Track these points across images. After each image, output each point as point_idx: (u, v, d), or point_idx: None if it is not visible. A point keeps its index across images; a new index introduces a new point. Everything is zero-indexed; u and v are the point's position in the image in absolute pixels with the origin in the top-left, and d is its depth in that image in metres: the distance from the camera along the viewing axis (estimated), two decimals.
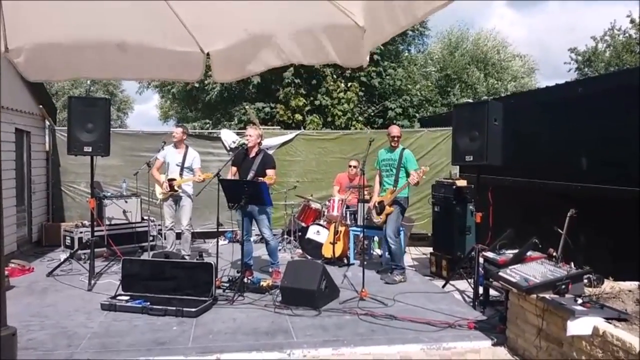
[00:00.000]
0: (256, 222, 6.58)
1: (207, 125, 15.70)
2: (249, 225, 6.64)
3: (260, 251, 7.55)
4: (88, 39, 3.56)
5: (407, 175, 6.62)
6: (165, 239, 7.66)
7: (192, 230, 7.59)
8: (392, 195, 6.63)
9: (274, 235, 6.94)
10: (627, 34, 21.84)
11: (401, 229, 7.91)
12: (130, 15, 3.37)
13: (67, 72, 3.91)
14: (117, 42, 3.57)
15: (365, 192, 7.41)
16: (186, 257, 7.30)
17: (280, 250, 8.61)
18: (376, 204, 6.82)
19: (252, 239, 6.87)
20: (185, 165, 7.39)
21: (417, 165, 6.71)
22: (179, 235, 7.54)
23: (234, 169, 6.74)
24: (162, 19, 3.42)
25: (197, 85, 15.39)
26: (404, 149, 6.83)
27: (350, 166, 8.45)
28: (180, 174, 7.35)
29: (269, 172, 6.48)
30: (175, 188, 7.30)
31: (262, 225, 6.54)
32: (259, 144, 6.71)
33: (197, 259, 7.45)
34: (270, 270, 6.77)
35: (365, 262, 6.47)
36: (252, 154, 6.62)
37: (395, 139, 6.77)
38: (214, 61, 3.77)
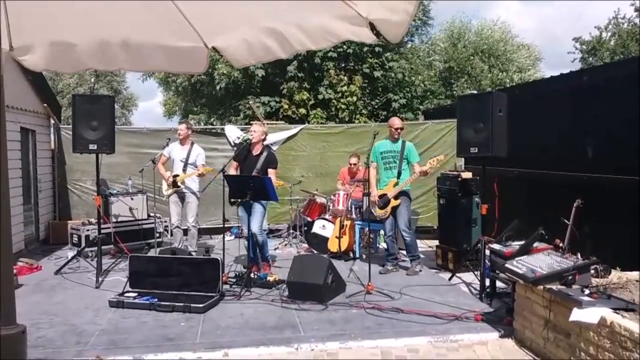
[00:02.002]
0: (251, 215, 6.42)
1: (213, 120, 15.75)
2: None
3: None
4: (93, 36, 3.57)
5: (409, 167, 6.67)
6: (172, 236, 7.69)
7: (198, 227, 7.62)
8: (398, 189, 6.59)
9: (264, 230, 6.72)
10: (631, 22, 21.68)
11: None
12: (134, 12, 3.37)
13: (72, 65, 3.91)
14: (122, 38, 3.57)
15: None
16: (193, 253, 7.32)
17: (285, 245, 8.65)
18: (378, 198, 6.74)
19: None
20: (189, 161, 7.37)
21: (418, 157, 6.82)
22: (185, 232, 7.57)
23: (235, 163, 6.69)
24: (166, 15, 3.42)
25: (204, 77, 15.40)
26: (404, 140, 6.84)
27: (350, 164, 8.41)
28: (184, 170, 7.34)
29: (270, 172, 6.45)
30: (179, 184, 7.29)
31: (254, 218, 6.39)
32: (263, 140, 6.68)
33: (203, 255, 7.47)
34: (261, 263, 6.67)
35: (371, 256, 6.47)
36: (256, 152, 6.59)
37: (399, 130, 6.76)
38: (224, 53, 3.77)
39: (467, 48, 20.57)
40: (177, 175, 7.32)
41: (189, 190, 7.37)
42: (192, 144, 7.57)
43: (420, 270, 6.81)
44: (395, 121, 6.88)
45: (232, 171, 6.65)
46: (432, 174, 8.71)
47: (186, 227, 7.51)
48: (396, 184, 6.63)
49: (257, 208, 6.45)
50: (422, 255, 7.45)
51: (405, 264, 7.03)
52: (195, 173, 7.29)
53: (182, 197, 7.43)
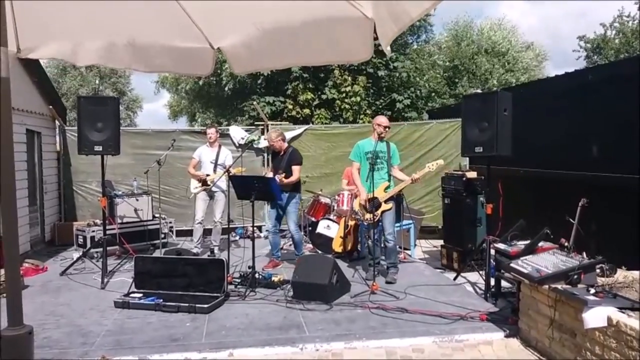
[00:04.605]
0: (285, 214, 7.02)
1: (219, 118, 15.83)
2: (278, 216, 7.04)
3: (268, 247, 7.60)
4: (100, 38, 3.59)
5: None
6: (192, 235, 8.02)
7: (224, 225, 7.90)
8: (390, 193, 6.29)
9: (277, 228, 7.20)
10: (635, 20, 21.60)
11: (412, 222, 7.92)
12: (141, 14, 3.38)
13: (79, 59, 3.92)
14: (128, 40, 3.59)
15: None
16: (215, 247, 7.81)
17: (290, 245, 8.65)
18: (367, 201, 6.20)
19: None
20: (219, 162, 7.77)
21: (399, 160, 6.60)
22: (206, 232, 7.99)
23: (272, 165, 7.25)
24: (172, 16, 3.43)
25: (211, 78, 15.49)
26: (387, 141, 6.52)
27: None
28: (214, 171, 7.73)
29: (294, 168, 6.88)
30: (209, 183, 7.65)
31: (289, 218, 6.98)
32: (283, 140, 7.10)
33: (208, 255, 7.52)
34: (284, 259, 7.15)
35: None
36: (281, 152, 7.03)
37: (387, 129, 6.42)
38: (227, 55, 3.78)
39: (471, 47, 20.44)
40: (208, 175, 7.69)
41: (219, 189, 7.73)
42: (220, 146, 7.98)
43: (397, 279, 6.39)
44: (382, 119, 6.51)
45: (270, 175, 7.09)
46: (437, 173, 8.73)
47: (212, 226, 7.97)
48: (388, 187, 6.36)
49: (290, 208, 6.95)
50: (418, 260, 7.42)
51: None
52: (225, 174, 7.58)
53: (210, 195, 7.80)
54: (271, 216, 7.10)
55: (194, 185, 7.82)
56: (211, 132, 7.91)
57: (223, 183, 7.67)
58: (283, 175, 6.75)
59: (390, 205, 6.32)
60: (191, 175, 7.87)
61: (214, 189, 7.70)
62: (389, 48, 2.86)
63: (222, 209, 7.77)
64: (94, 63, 3.84)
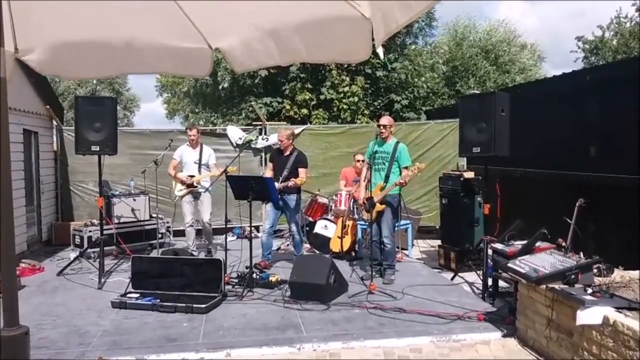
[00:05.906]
0: (287, 215, 7.06)
1: (214, 118, 15.78)
2: (276, 218, 7.07)
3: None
4: (98, 38, 3.59)
5: (400, 171, 6.25)
6: (185, 236, 7.87)
7: (213, 226, 7.94)
8: (382, 194, 6.19)
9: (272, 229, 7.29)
10: (633, 22, 21.64)
11: (409, 222, 7.92)
12: (139, 14, 3.38)
13: (78, 71, 3.92)
14: (127, 40, 3.59)
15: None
16: (210, 247, 7.81)
17: (288, 245, 8.65)
18: (365, 200, 6.22)
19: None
20: (202, 162, 7.65)
21: (410, 162, 6.30)
22: (198, 232, 7.88)
23: (271, 164, 7.19)
24: (170, 17, 3.43)
25: (208, 79, 15.48)
26: (398, 142, 6.41)
27: (357, 160, 8.39)
28: (199, 171, 7.61)
29: (301, 170, 6.89)
30: (194, 184, 7.55)
31: (291, 218, 7.02)
32: (292, 141, 7.13)
33: (205, 256, 7.51)
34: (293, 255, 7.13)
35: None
36: (287, 153, 7.00)
37: (380, 127, 6.31)
38: (226, 55, 3.78)
39: (471, 48, 20.34)
40: (193, 176, 7.57)
41: (202, 190, 7.64)
42: (202, 145, 7.84)
43: (394, 280, 6.38)
44: (381, 118, 6.50)
45: (269, 172, 7.11)
46: (435, 173, 8.78)
47: (201, 227, 7.86)
48: (383, 187, 6.27)
49: (294, 209, 6.99)
50: (415, 260, 7.43)
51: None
52: (212, 174, 7.56)
53: (195, 197, 7.68)
54: (270, 216, 7.06)
55: (179, 188, 7.65)
56: (192, 132, 7.73)
57: (207, 184, 7.64)
58: (297, 179, 6.78)
59: (382, 207, 6.24)
60: (173, 178, 7.70)
61: (200, 190, 7.61)
62: (381, 49, 2.87)
63: (209, 210, 7.72)
64: (93, 76, 3.83)
